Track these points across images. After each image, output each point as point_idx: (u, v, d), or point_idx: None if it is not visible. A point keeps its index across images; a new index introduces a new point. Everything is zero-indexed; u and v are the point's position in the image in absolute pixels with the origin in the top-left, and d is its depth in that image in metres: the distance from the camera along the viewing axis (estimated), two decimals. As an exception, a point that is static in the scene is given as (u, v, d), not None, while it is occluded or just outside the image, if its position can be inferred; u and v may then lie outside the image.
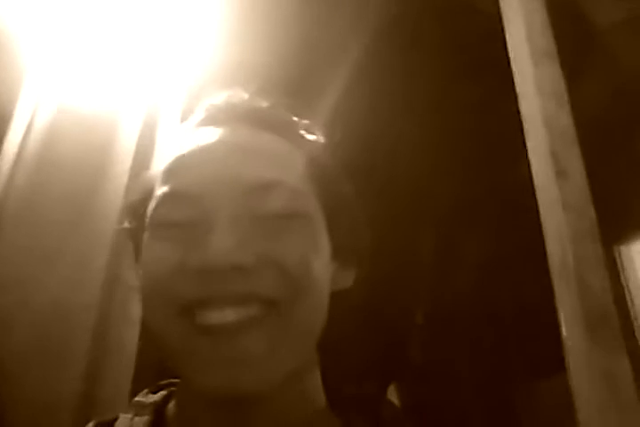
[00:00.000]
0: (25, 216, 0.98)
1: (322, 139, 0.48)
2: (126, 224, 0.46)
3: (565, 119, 0.91)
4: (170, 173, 0.41)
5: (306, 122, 0.47)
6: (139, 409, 0.44)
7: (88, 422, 0.47)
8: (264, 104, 0.46)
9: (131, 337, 0.91)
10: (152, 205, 0.40)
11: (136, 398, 0.46)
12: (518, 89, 1.01)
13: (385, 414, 0.44)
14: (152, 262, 0.39)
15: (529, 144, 0.95)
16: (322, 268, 0.40)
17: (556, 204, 0.86)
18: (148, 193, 0.42)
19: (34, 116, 1.10)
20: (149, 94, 1.16)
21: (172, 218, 0.39)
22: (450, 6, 1.40)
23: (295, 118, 0.47)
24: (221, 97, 0.47)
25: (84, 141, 1.07)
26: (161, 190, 0.40)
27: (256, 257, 0.36)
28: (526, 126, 0.95)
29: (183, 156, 0.41)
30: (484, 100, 1.36)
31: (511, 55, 1.05)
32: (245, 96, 0.47)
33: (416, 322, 1.62)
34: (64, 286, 0.91)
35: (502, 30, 1.07)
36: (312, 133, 0.47)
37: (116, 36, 1.19)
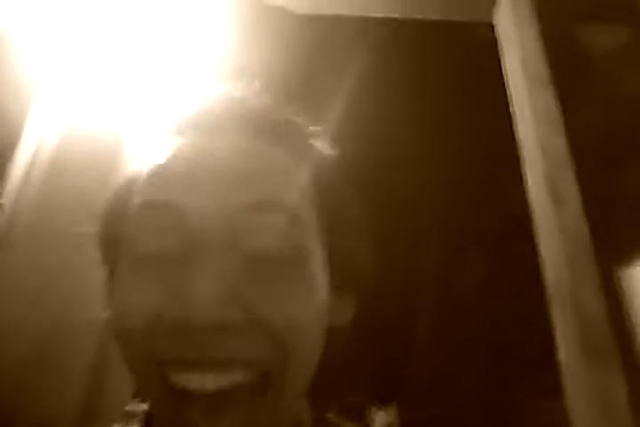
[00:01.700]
0: (32, 236, 0.99)
1: (329, 149, 0.42)
2: (100, 248, 0.42)
3: (561, 145, 0.93)
4: (150, 191, 0.35)
5: (313, 128, 0.42)
6: (129, 418, 0.43)
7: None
8: (266, 105, 0.40)
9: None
10: (129, 229, 0.35)
11: (126, 408, 0.47)
12: (515, 115, 1.04)
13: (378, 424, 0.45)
14: (127, 308, 0.33)
15: (526, 169, 0.98)
16: (315, 319, 0.35)
17: (552, 228, 0.88)
18: (123, 207, 0.38)
19: (41, 139, 1.12)
20: (156, 116, 1.18)
21: (153, 248, 0.34)
22: (451, 30, 1.44)
23: (301, 123, 0.41)
24: (218, 95, 0.41)
25: (92, 163, 1.08)
26: (141, 214, 0.35)
27: (242, 313, 0.32)
28: (523, 152, 0.98)
29: (166, 171, 0.36)
30: (484, 122, 1.38)
31: (508, 81, 1.08)
32: (245, 95, 0.41)
33: (418, 338, 1.62)
34: (68, 302, 0.92)
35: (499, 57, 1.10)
36: (319, 142, 0.42)
37: (123, 57, 1.21)
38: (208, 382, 0.31)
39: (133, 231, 0.35)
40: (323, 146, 0.42)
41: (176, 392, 0.32)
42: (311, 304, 0.35)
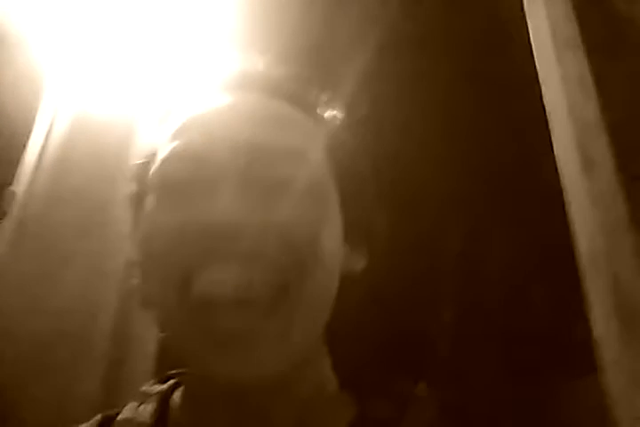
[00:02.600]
0: (44, 221, 0.99)
1: (341, 114, 0.45)
2: (130, 189, 0.43)
3: (592, 111, 0.87)
4: (178, 133, 0.39)
5: (325, 94, 0.44)
6: (145, 398, 0.44)
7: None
8: (281, 74, 0.44)
9: (150, 338, 0.91)
10: (156, 164, 0.38)
11: (142, 388, 0.46)
12: (541, 79, 0.97)
13: (400, 393, 0.43)
14: (153, 224, 0.36)
15: (554, 135, 0.92)
16: (331, 242, 0.38)
17: (584, 197, 0.82)
18: (152, 156, 0.40)
19: (52, 124, 1.11)
20: (166, 101, 1.16)
21: (177, 176, 0.37)
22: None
23: (313, 90, 0.44)
24: (237, 64, 0.45)
25: (102, 148, 1.08)
26: (167, 148, 0.38)
27: (261, 219, 0.34)
28: (552, 119, 0.92)
29: (193, 117, 0.40)
30: (509, 88, 1.31)
31: (534, 44, 1.01)
32: (262, 64, 0.44)
33: (444, 317, 1.59)
34: (81, 288, 0.92)
35: (524, 18, 1.03)
36: (331, 107, 0.44)
37: (133, 43, 1.19)
38: (230, 275, 0.33)
39: (162, 170, 0.38)
40: (335, 111, 0.44)
41: (200, 302, 0.33)
42: (328, 226, 0.37)
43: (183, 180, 0.37)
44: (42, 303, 0.89)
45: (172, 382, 0.45)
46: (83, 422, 0.45)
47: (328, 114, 0.44)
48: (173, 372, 0.47)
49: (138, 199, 0.41)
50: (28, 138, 1.11)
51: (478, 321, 1.58)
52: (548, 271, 1.40)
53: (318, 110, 0.43)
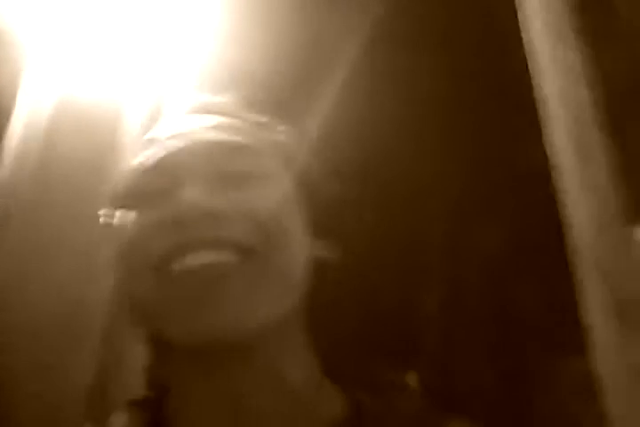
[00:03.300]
0: (29, 209, 0.97)
1: (276, 123, 0.50)
2: (104, 214, 0.46)
3: (585, 98, 0.86)
4: (147, 150, 0.43)
5: (282, 124, 0.50)
6: (135, 406, 0.44)
7: (100, 418, 0.47)
8: (227, 102, 0.50)
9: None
10: (123, 179, 0.43)
11: (132, 396, 0.46)
12: (532, 66, 0.96)
13: (396, 393, 0.44)
14: (127, 229, 0.40)
15: (546, 124, 0.91)
16: (293, 220, 0.42)
17: (577, 188, 0.82)
18: (120, 179, 0.44)
19: (35, 108, 1.08)
20: (153, 85, 1.14)
21: (145, 188, 0.41)
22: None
23: (273, 121, 0.50)
24: (197, 98, 0.51)
25: (87, 133, 1.06)
26: (138, 163, 0.43)
27: (227, 204, 0.38)
28: (544, 107, 0.91)
29: (158, 136, 0.45)
30: (499, 74, 1.30)
31: (524, 28, 0.99)
32: (221, 99, 0.51)
33: (429, 302, 1.60)
34: (71, 279, 0.90)
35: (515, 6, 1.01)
36: (265, 119, 0.50)
37: (118, 25, 1.16)
38: (203, 257, 0.36)
39: (134, 182, 0.42)
40: (290, 135, 0.50)
41: (175, 278, 0.36)
42: (288, 209, 0.42)
43: (153, 185, 0.41)
44: (29, 294, 0.87)
45: (160, 388, 0.45)
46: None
47: (270, 125, 0.49)
48: (160, 377, 0.46)
49: (110, 219, 0.44)
50: (9, 123, 1.08)
51: (464, 305, 1.60)
52: (536, 258, 1.41)
53: (260, 123, 0.49)
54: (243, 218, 0.38)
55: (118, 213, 0.42)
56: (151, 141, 0.45)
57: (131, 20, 1.15)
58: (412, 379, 1.29)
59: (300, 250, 0.42)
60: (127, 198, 0.42)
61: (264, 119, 0.50)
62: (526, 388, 1.57)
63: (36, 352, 0.81)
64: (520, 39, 0.99)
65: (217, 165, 0.41)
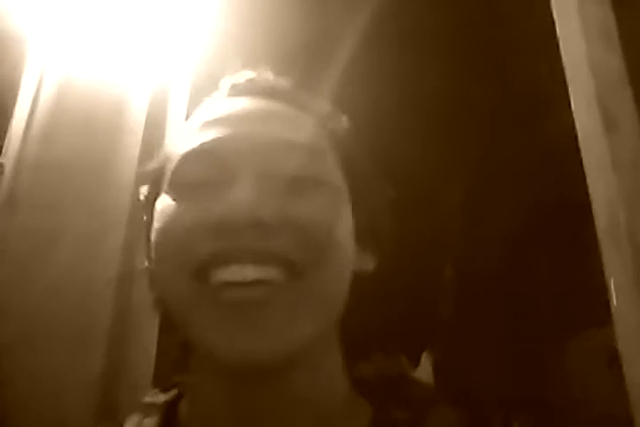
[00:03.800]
0: (36, 190, 0.95)
1: (344, 119, 0.46)
2: (142, 194, 0.44)
3: (615, 65, 0.80)
4: (191, 136, 0.40)
5: (320, 98, 0.47)
6: (148, 410, 0.42)
7: (111, 406, 0.45)
8: (281, 81, 0.46)
9: (153, 313, 0.89)
10: (171, 167, 0.39)
11: (146, 398, 0.44)
12: (560, 32, 0.90)
13: (418, 397, 0.41)
14: (168, 222, 0.37)
15: (572, 93, 0.86)
16: (345, 235, 0.38)
17: (604, 160, 0.77)
18: (165, 161, 0.41)
19: (39, 89, 1.06)
20: (158, 64, 1.11)
21: (193, 177, 0.38)
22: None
23: (315, 97, 0.46)
24: (240, 75, 0.46)
25: (93, 112, 1.04)
26: (182, 151, 0.39)
27: (277, 214, 0.34)
28: (570, 73, 0.85)
29: (205, 121, 0.40)
30: (523, 39, 1.23)
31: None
32: (262, 74, 0.46)
33: (445, 280, 1.58)
34: (78, 260, 0.89)
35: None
36: (328, 109, 0.46)
37: (122, 5, 1.12)
38: (247, 272, 0.33)
39: (179, 169, 0.38)
40: (333, 111, 0.46)
41: (215, 292, 0.34)
42: (341, 220, 0.38)
43: (201, 174, 0.37)
44: (34, 278, 0.86)
45: (176, 390, 0.43)
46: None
47: (332, 119, 0.45)
48: (176, 380, 0.44)
49: (150, 202, 0.41)
50: (13, 107, 1.06)
51: (481, 281, 1.58)
52: (556, 234, 1.37)
53: (322, 115, 0.44)
54: (293, 230, 0.35)
55: (158, 199, 0.39)
56: (200, 122, 0.41)
57: (134, 2, 1.11)
58: (426, 360, 1.29)
59: (347, 266, 0.38)
60: (168, 187, 0.39)
61: (324, 105, 0.46)
62: (543, 365, 1.55)
63: (43, 346, 0.80)
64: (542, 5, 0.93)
65: (272, 162, 0.37)
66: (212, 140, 0.38)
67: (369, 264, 0.43)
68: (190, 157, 0.38)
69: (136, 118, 1.04)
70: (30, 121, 1.01)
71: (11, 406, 0.76)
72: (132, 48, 1.10)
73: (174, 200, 0.37)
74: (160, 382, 0.47)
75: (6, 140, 1.01)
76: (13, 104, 1.06)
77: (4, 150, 1.02)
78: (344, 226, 0.38)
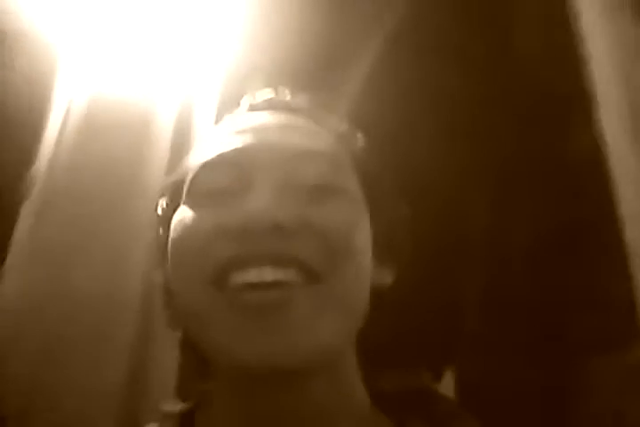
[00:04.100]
0: (65, 201, 0.98)
1: (355, 132, 0.47)
2: (160, 207, 0.44)
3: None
4: (210, 148, 0.40)
5: (337, 116, 0.47)
6: (166, 419, 0.42)
7: (133, 416, 0.46)
8: (299, 99, 0.47)
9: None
10: (190, 176, 0.40)
11: (164, 408, 0.44)
12: (588, 45, 0.89)
13: (441, 411, 0.41)
14: (185, 230, 0.37)
15: (601, 104, 0.84)
16: (364, 244, 0.38)
17: (633, 172, 0.76)
18: (184, 173, 0.42)
19: (70, 104, 1.09)
20: (185, 78, 1.14)
21: (211, 185, 0.38)
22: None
23: (327, 111, 0.47)
24: (260, 94, 0.48)
25: (120, 129, 1.06)
26: (200, 160, 0.39)
27: (296, 218, 0.35)
28: (598, 83, 0.84)
29: (224, 133, 0.42)
30: (546, 49, 1.22)
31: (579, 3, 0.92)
32: (282, 92, 0.48)
33: (469, 294, 1.56)
34: (103, 270, 0.91)
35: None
36: (344, 127, 0.47)
37: (148, 23, 1.16)
38: (265, 274, 0.33)
39: (197, 178, 0.39)
40: (350, 128, 0.47)
41: (234, 296, 0.34)
42: (360, 228, 0.38)
43: (220, 183, 0.38)
44: (60, 286, 0.88)
45: (193, 400, 0.43)
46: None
47: (349, 137, 0.46)
48: (196, 388, 0.44)
49: (167, 215, 0.42)
50: (47, 117, 1.10)
51: (507, 299, 1.54)
52: (584, 249, 1.34)
53: (339, 132, 0.45)
54: (312, 235, 0.35)
55: (178, 209, 0.39)
56: (220, 135, 0.42)
57: (160, 18, 1.14)
58: (449, 375, 1.27)
59: (365, 274, 0.38)
60: (187, 196, 0.39)
61: (340, 123, 0.46)
62: (570, 383, 1.51)
63: (65, 355, 0.82)
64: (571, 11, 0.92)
65: (291, 171, 0.37)
66: (231, 150, 0.39)
67: (387, 278, 0.43)
68: (209, 166, 0.39)
69: (163, 131, 1.07)
70: (62, 135, 1.04)
71: (32, 416, 0.77)
72: (159, 62, 1.13)
73: (192, 208, 0.38)
74: (181, 392, 0.47)
75: (41, 145, 1.04)
76: (46, 116, 1.09)
77: (36, 162, 1.05)
78: (362, 234, 0.38)
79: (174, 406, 0.44)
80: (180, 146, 1.05)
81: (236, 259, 0.34)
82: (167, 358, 0.83)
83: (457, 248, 1.43)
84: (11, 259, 0.91)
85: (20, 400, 0.78)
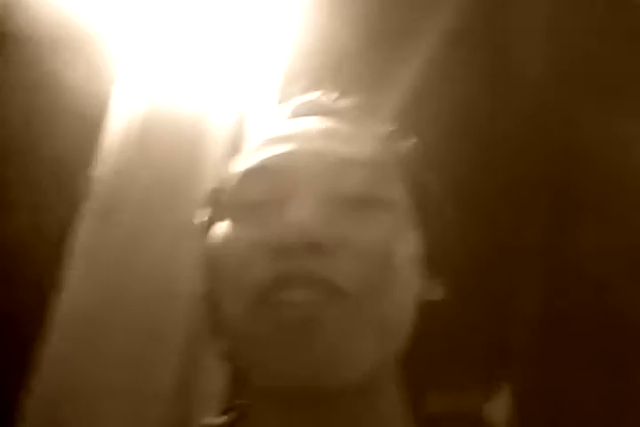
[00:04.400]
0: (124, 207, 1.01)
1: (404, 136, 0.45)
2: (203, 216, 0.44)
3: None
4: (251, 155, 0.40)
5: (385, 117, 0.47)
6: None
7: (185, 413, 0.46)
8: (345, 104, 0.45)
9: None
10: (231, 185, 0.39)
11: (204, 421, 0.44)
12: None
13: None
14: (223, 245, 0.36)
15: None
16: (407, 262, 0.37)
17: None
18: (226, 181, 0.41)
19: (126, 117, 1.12)
20: (239, 87, 1.16)
21: (251, 195, 0.37)
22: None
23: (374, 115, 0.46)
24: (304, 97, 0.46)
25: (177, 138, 1.08)
26: (240, 169, 0.39)
27: (335, 237, 0.34)
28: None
29: (265, 140, 0.41)
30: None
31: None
32: (328, 97, 0.46)
33: (527, 312, 1.50)
34: (157, 278, 0.93)
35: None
36: (392, 128, 0.45)
37: (201, 34, 1.18)
38: (298, 295, 0.33)
39: (237, 187, 0.38)
40: (399, 137, 0.45)
41: (274, 315, 0.33)
42: (403, 246, 0.36)
43: (259, 193, 0.37)
44: (114, 289, 0.91)
45: (234, 414, 0.43)
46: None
47: (397, 139, 0.44)
48: (236, 403, 0.44)
49: (209, 224, 0.41)
50: (105, 122, 1.12)
51: (565, 313, 1.48)
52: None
53: (386, 135, 0.43)
54: (349, 256, 0.34)
55: (217, 222, 0.39)
56: (258, 144, 0.41)
57: (215, 30, 1.16)
58: (505, 390, 1.22)
59: (408, 291, 0.37)
60: (227, 207, 0.39)
61: (386, 127, 0.44)
62: (633, 395, 1.43)
63: (114, 358, 0.84)
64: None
65: (333, 181, 0.36)
66: (271, 157, 0.38)
67: (437, 293, 0.41)
68: (249, 175, 0.38)
69: (219, 139, 1.09)
70: (120, 145, 1.07)
71: (82, 416, 0.80)
72: (213, 70, 1.15)
73: (231, 222, 0.37)
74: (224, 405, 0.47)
75: (97, 156, 1.07)
76: (105, 120, 1.12)
77: (93, 167, 1.07)
78: (407, 251, 0.37)
79: (214, 420, 0.43)
80: (235, 154, 1.07)
81: (273, 279, 0.33)
82: (218, 365, 0.84)
83: (512, 259, 1.38)
84: (73, 263, 0.94)
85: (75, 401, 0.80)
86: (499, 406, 1.04)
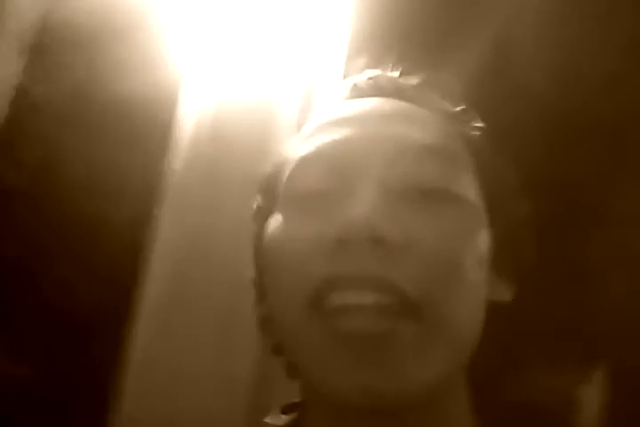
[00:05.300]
0: (200, 205, 1.03)
1: (472, 113, 0.41)
2: (255, 203, 0.41)
3: None
4: (308, 139, 0.36)
5: (452, 95, 0.41)
6: None
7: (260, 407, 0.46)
8: (410, 81, 0.41)
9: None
10: (287, 173, 0.36)
11: (266, 420, 0.43)
12: None
13: None
14: (282, 239, 0.34)
15: None
16: (478, 258, 0.34)
17: None
18: (281, 166, 0.38)
19: (197, 112, 1.14)
20: (304, 72, 1.14)
21: (308, 185, 0.34)
22: None
23: (445, 97, 0.41)
24: (363, 74, 0.42)
25: (246, 133, 1.09)
26: (298, 155, 0.36)
27: (401, 233, 0.31)
28: None
29: (323, 123, 0.37)
30: None
31: None
32: (390, 74, 0.42)
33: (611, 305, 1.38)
34: (232, 264, 0.94)
35: None
36: (460, 107, 0.41)
37: (265, 27, 1.17)
38: (364, 297, 0.30)
39: (292, 176, 0.36)
40: (473, 117, 0.41)
41: (331, 313, 0.30)
42: (472, 243, 0.33)
43: (318, 183, 0.34)
44: (188, 278, 0.94)
45: (296, 413, 0.42)
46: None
47: (465, 119, 0.40)
48: (298, 401, 0.43)
49: (263, 213, 0.39)
50: (175, 122, 1.15)
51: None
52: None
53: (453, 115, 0.39)
54: (415, 257, 0.31)
55: (271, 212, 0.37)
56: (317, 127, 0.37)
57: (278, 7, 1.15)
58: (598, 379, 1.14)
59: (477, 294, 0.34)
60: (282, 198, 0.36)
61: (456, 107, 0.40)
62: None
63: (188, 342, 0.87)
64: None
65: (399, 170, 0.33)
66: (330, 142, 0.34)
67: (506, 294, 0.38)
68: (306, 162, 0.35)
69: (285, 131, 1.09)
70: (192, 142, 1.10)
71: (157, 402, 0.82)
72: (277, 62, 1.14)
73: (287, 215, 0.35)
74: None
75: (168, 156, 1.10)
76: (170, 133, 1.15)
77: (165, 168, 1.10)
78: (476, 250, 0.34)
79: (277, 419, 0.42)
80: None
81: (333, 279, 0.31)
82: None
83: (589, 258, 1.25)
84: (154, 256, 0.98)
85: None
86: (593, 390, 0.97)
